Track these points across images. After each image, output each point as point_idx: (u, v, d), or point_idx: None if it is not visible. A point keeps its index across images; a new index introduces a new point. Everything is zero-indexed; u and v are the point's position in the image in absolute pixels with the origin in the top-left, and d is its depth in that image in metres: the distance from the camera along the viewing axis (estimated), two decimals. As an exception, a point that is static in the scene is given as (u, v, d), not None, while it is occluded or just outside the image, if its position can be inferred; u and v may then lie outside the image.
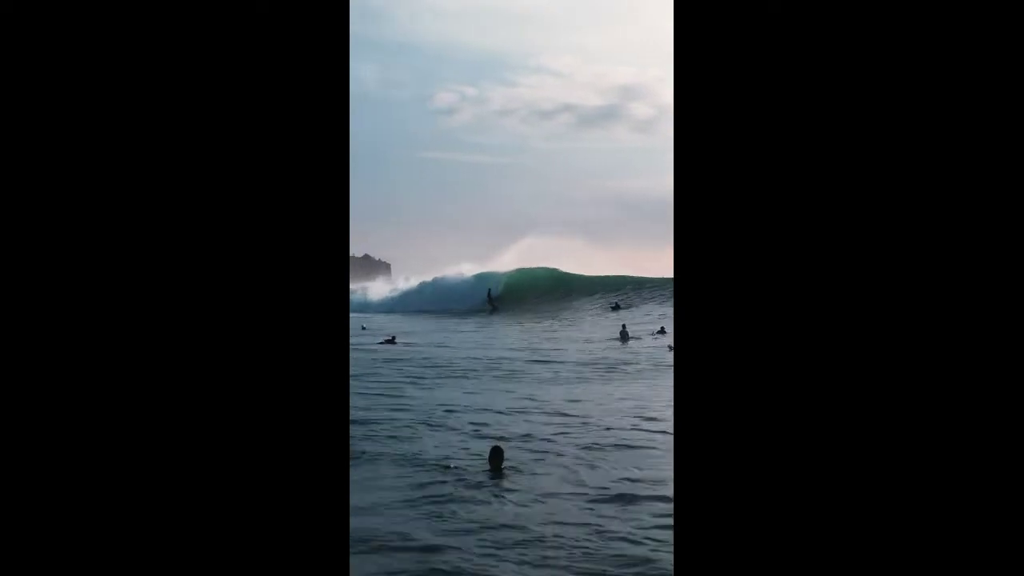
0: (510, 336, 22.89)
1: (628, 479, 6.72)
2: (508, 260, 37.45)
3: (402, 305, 36.44)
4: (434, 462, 7.34)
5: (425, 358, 16.44)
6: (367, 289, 40.51)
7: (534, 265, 35.86)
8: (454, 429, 9.04)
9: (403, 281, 40.50)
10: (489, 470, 6.90)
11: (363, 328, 24.13)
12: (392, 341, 19.90)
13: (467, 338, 21.98)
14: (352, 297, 39.51)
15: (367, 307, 37.05)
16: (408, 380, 13.18)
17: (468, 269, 37.30)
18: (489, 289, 33.47)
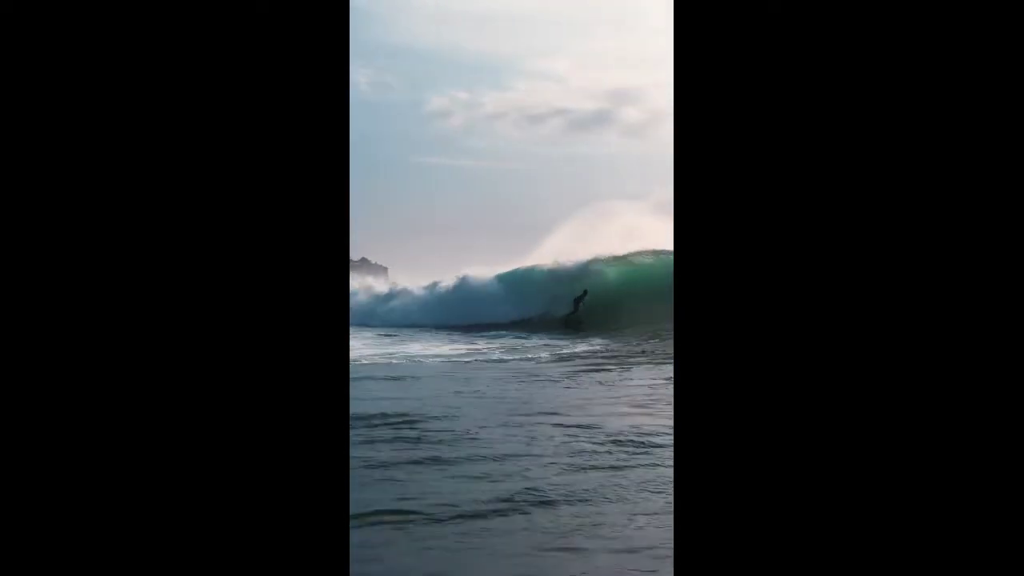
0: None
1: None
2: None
3: (416, 312, 28.85)
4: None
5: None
6: (372, 294, 37.05)
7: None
8: None
9: (410, 284, 34.94)
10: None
11: None
12: None
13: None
14: (354, 304, 36.57)
15: (380, 314, 32.81)
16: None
17: (488, 271, 28.31)
18: (585, 291, 23.38)
